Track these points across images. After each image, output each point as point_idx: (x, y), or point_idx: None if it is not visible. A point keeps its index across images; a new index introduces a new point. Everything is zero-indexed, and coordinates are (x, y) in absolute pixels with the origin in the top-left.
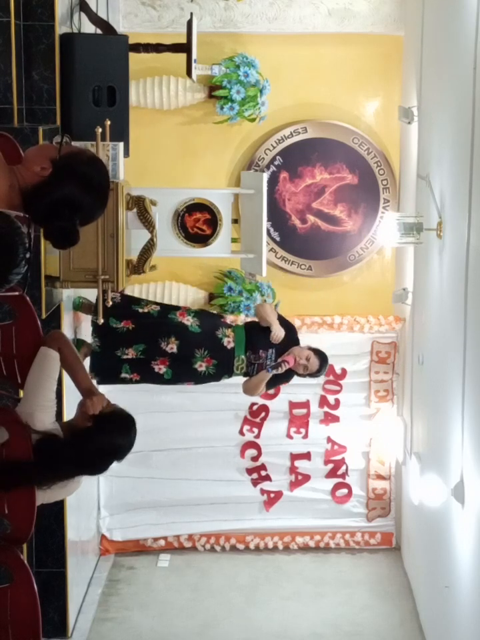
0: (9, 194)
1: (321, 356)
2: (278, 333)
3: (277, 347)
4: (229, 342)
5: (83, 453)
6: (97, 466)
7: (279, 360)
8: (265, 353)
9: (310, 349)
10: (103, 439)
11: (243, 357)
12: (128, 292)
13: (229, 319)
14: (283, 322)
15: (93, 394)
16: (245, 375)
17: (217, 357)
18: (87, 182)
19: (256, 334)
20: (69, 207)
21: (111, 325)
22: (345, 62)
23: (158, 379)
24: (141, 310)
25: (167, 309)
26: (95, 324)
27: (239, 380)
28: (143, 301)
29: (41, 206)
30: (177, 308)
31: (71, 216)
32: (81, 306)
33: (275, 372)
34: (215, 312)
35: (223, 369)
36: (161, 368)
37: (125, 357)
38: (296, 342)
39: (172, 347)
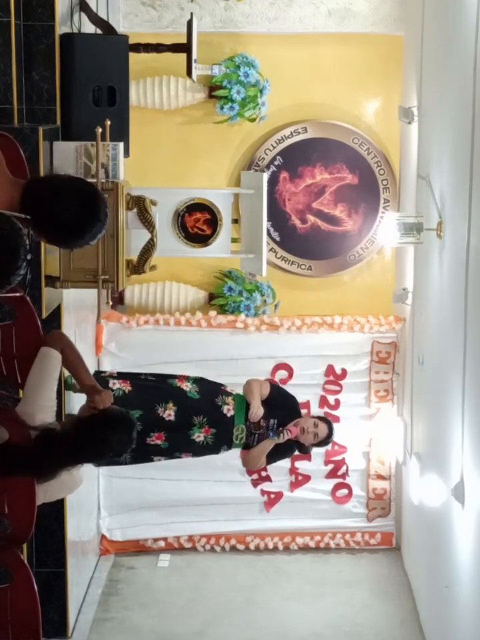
0: (10, 195)
1: (328, 424)
2: (255, 411)
3: (278, 417)
4: (228, 409)
5: (83, 439)
6: (95, 454)
7: (283, 428)
8: (266, 422)
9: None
10: (105, 431)
11: (242, 426)
12: (128, 292)
13: (229, 387)
14: (282, 394)
15: (98, 391)
16: (244, 446)
17: (216, 425)
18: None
19: None
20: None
21: (108, 382)
22: (345, 62)
23: (155, 451)
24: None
25: (166, 376)
26: None
27: (239, 380)
28: (142, 376)
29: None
30: (175, 375)
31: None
32: (72, 387)
33: (277, 440)
34: (215, 381)
35: (221, 438)
36: (156, 442)
37: None
38: (298, 414)
39: (170, 414)
